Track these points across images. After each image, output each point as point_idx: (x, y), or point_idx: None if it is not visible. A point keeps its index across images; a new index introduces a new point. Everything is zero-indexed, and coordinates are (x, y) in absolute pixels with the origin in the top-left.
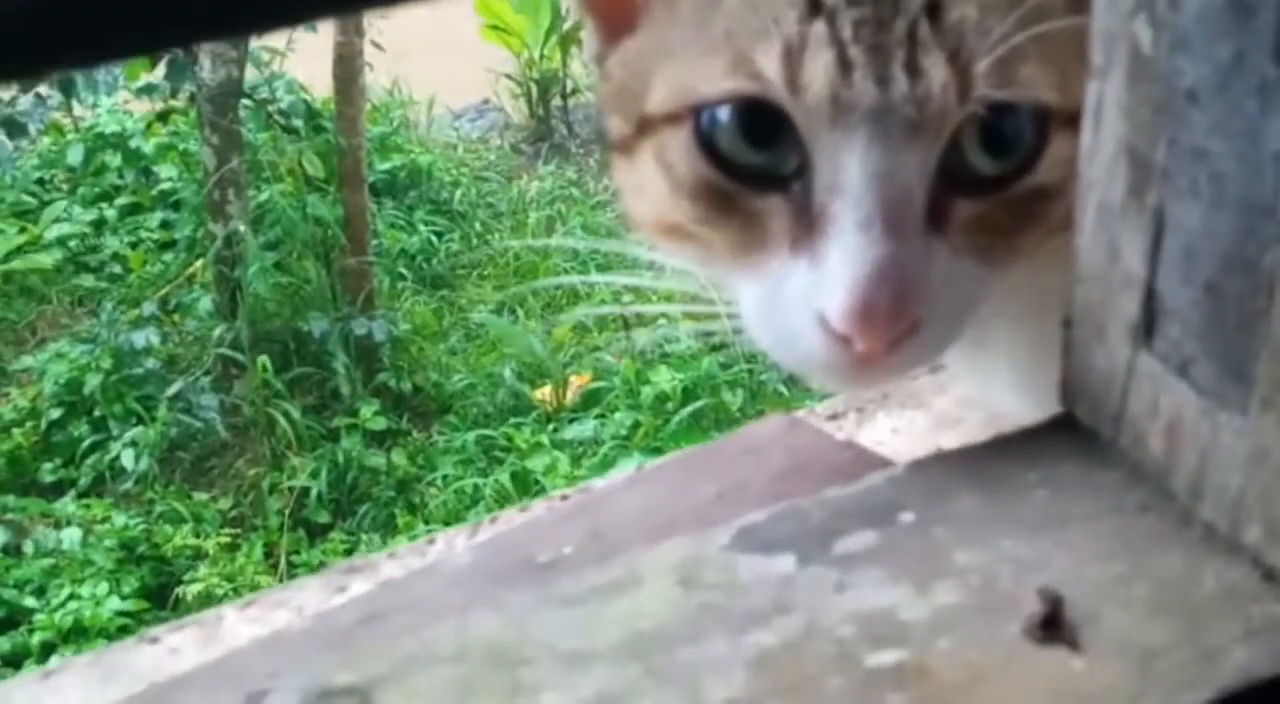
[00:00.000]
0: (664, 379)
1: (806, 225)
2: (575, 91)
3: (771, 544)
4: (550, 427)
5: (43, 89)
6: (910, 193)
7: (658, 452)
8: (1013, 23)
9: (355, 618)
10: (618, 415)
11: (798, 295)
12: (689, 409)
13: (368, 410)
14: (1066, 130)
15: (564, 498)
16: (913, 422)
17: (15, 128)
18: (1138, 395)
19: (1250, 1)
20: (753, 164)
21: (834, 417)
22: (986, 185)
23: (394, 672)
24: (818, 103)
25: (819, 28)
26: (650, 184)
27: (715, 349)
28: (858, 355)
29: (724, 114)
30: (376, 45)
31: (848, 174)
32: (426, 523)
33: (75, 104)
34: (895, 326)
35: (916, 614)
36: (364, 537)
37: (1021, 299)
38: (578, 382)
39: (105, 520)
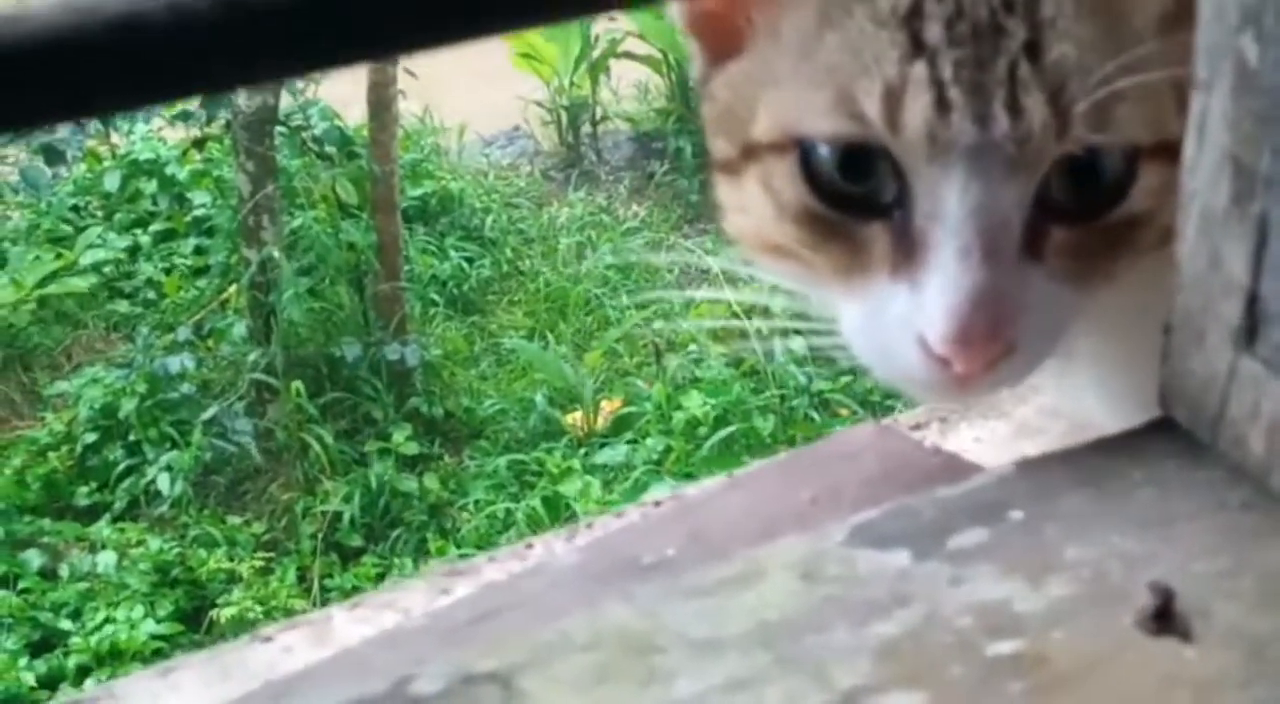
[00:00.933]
0: (695, 404)
1: (907, 251)
2: (604, 118)
3: (886, 540)
4: (582, 451)
5: None
6: (1007, 223)
7: (689, 477)
8: (1113, 70)
9: (468, 616)
10: (649, 440)
11: (899, 318)
12: (720, 434)
13: (400, 435)
14: (1157, 160)
15: (657, 504)
16: (995, 431)
17: (54, 155)
18: (1239, 398)
19: None
20: (853, 194)
21: (917, 427)
22: (1079, 214)
23: (533, 658)
24: (917, 141)
25: (919, 69)
26: (754, 206)
27: (746, 375)
28: (955, 375)
29: (825, 150)
30: (410, 73)
31: (947, 206)
32: (458, 547)
33: (113, 132)
34: (991, 350)
35: (1031, 606)
36: (396, 561)
37: (1110, 315)
38: (609, 406)
39: (140, 544)
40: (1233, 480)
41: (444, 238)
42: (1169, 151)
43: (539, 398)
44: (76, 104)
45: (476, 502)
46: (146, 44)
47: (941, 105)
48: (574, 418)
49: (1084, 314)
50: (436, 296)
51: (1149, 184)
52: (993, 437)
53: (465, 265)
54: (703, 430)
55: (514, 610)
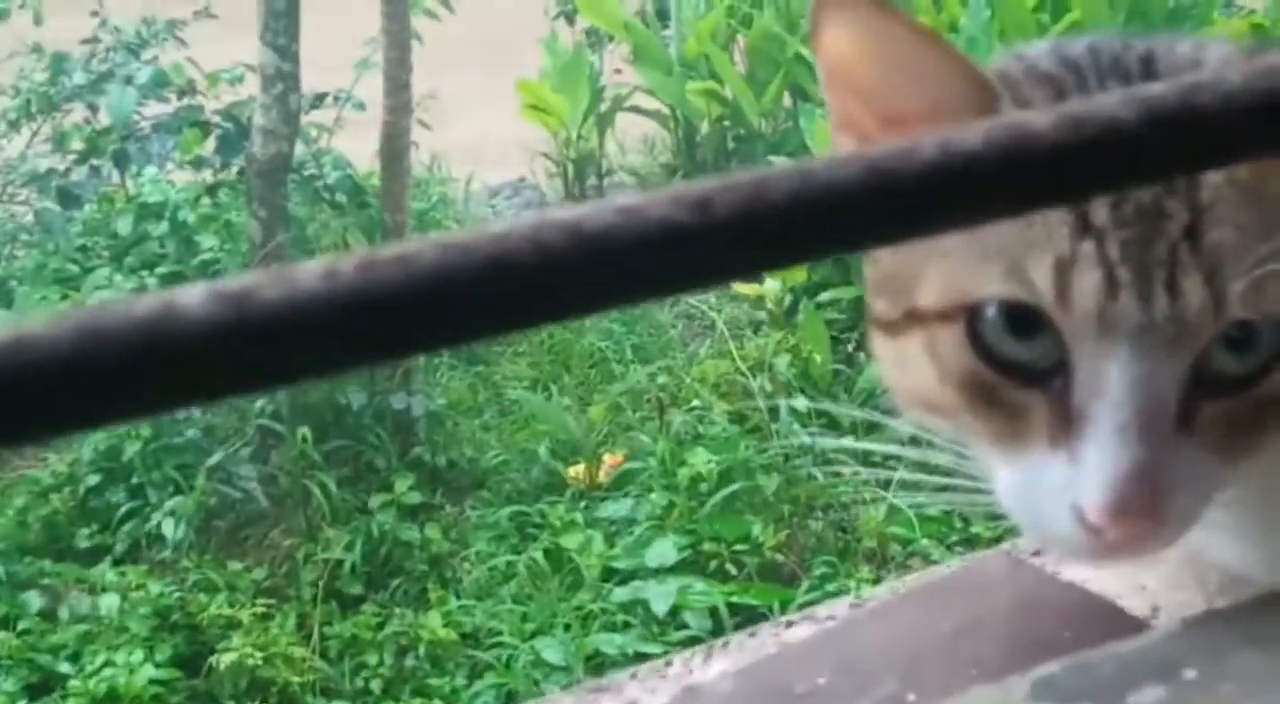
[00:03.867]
0: (699, 461)
1: (1065, 422)
2: (610, 171)
3: (1069, 695)
4: (584, 505)
5: (96, 161)
6: (1164, 400)
7: (692, 533)
8: (1264, 246)
9: None
10: (653, 496)
11: (1055, 486)
12: (724, 492)
13: (403, 484)
14: None
15: (789, 624)
16: None
17: (69, 198)
18: None
19: None
20: (1017, 359)
21: (1037, 552)
22: (1230, 387)
23: None
24: (1084, 316)
25: (1088, 246)
26: (915, 367)
27: (750, 432)
28: (1106, 543)
29: (991, 311)
30: (423, 124)
31: (1108, 381)
32: (459, 598)
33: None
34: (1145, 523)
35: None
36: (396, 610)
37: (1259, 478)
38: (611, 461)
39: (141, 588)
40: None
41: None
42: None
43: (542, 450)
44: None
45: (478, 552)
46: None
47: (1110, 282)
48: (576, 471)
49: (1231, 483)
50: None
51: None
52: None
53: None
54: (705, 487)
55: None
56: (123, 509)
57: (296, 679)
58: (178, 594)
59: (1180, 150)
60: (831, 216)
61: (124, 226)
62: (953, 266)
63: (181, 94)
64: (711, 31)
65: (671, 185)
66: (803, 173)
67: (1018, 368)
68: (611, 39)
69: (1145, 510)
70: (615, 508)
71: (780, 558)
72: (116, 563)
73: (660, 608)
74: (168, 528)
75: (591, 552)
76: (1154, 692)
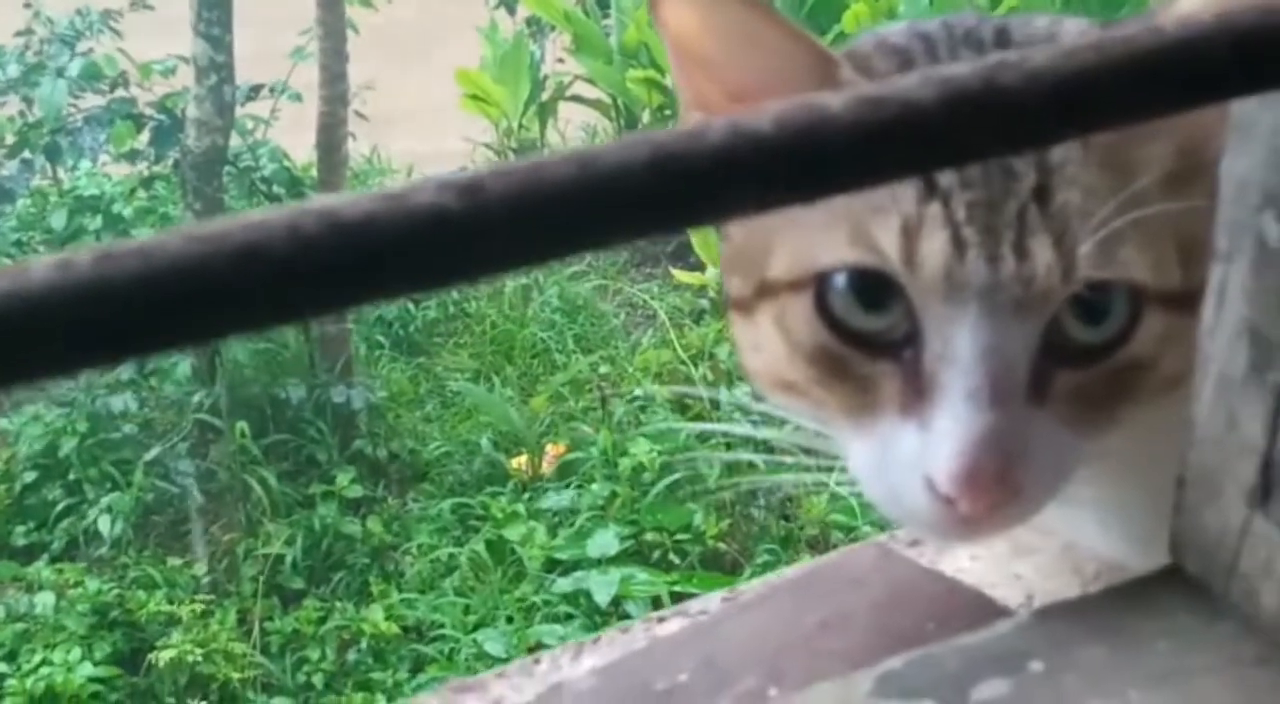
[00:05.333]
0: (641, 451)
1: (916, 391)
2: None
3: (911, 691)
4: (526, 496)
5: (28, 154)
6: (1015, 366)
7: (634, 523)
8: (1113, 207)
9: None
10: (594, 486)
11: (906, 457)
12: (666, 481)
13: (344, 477)
14: (1159, 308)
15: (660, 619)
16: (991, 549)
17: (1, 193)
18: (1251, 554)
19: None
20: (866, 329)
21: (915, 543)
22: (1083, 358)
23: None
24: (932, 279)
25: (934, 208)
26: (768, 344)
27: (694, 418)
28: (960, 516)
29: (841, 281)
30: (360, 115)
31: (957, 346)
32: (401, 591)
33: (60, 170)
34: (998, 492)
35: None
36: (338, 604)
37: (1117, 454)
38: (554, 451)
39: (78, 585)
40: (1245, 634)
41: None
42: (1172, 301)
43: (484, 441)
44: None
45: (420, 545)
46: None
47: (957, 245)
48: (519, 462)
49: (1088, 458)
50: (382, 338)
51: (1152, 331)
52: (989, 555)
53: (411, 307)
54: (648, 476)
55: None
56: (60, 506)
57: (237, 675)
58: (116, 591)
59: (981, 132)
60: (613, 203)
61: (58, 221)
62: (800, 236)
63: (114, 86)
64: (651, 20)
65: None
66: (583, 158)
67: (868, 338)
68: (552, 28)
69: (997, 479)
70: (557, 499)
71: (723, 547)
72: (53, 560)
73: (602, 598)
74: (105, 524)
75: (534, 543)
76: (998, 685)
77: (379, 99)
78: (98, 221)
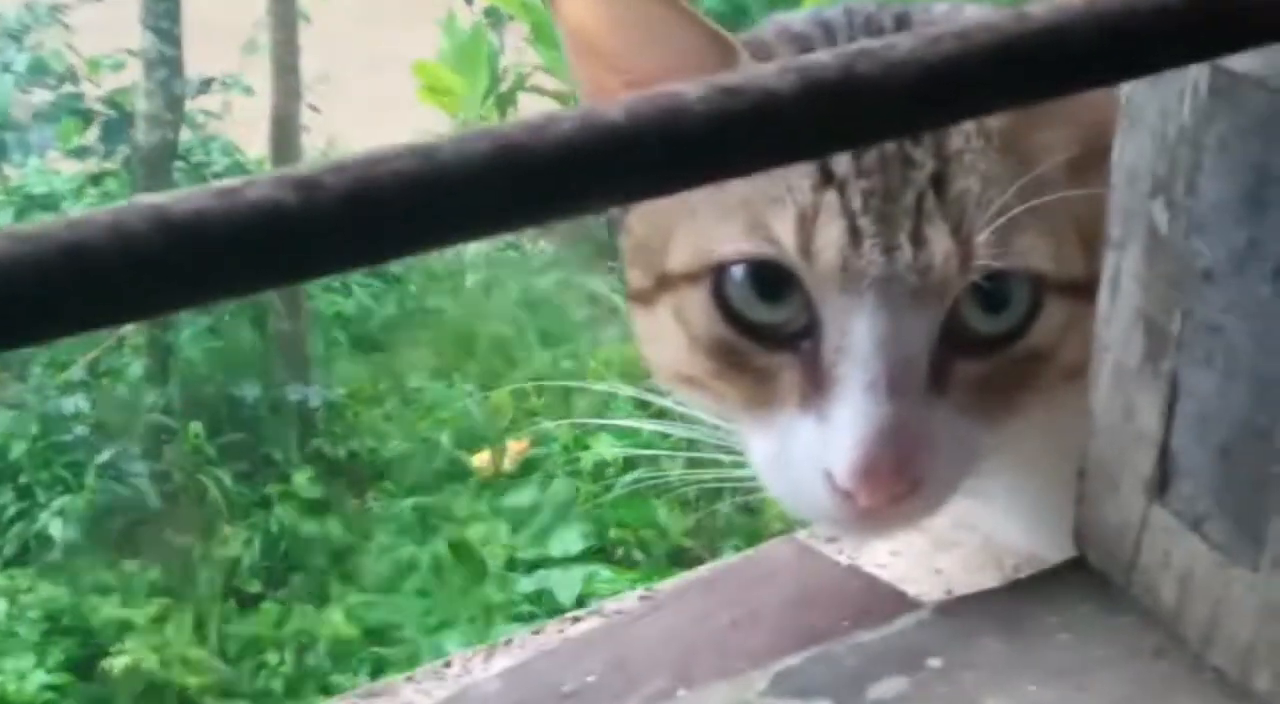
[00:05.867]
0: (604, 446)
1: (815, 383)
2: None
3: (807, 690)
4: (489, 494)
5: None
6: (914, 356)
7: (598, 521)
8: (1013, 195)
9: None
10: (557, 483)
11: (805, 450)
12: (629, 477)
13: (301, 477)
14: (1060, 297)
15: (575, 619)
16: (911, 544)
17: None
18: (1150, 546)
19: (1264, 196)
20: (764, 322)
21: (833, 539)
22: (984, 348)
23: None
24: (828, 269)
25: (830, 197)
26: (668, 336)
27: (654, 416)
28: (861, 509)
29: (738, 273)
30: (314, 108)
31: (855, 337)
32: (361, 592)
33: (8, 167)
34: (897, 486)
35: None
36: (297, 607)
37: (1021, 445)
38: (516, 447)
39: (30, 591)
40: (1145, 626)
41: (347, 274)
42: (1074, 290)
43: (445, 439)
44: None
45: (380, 545)
46: None
47: (853, 234)
48: (481, 459)
49: (991, 449)
50: (340, 335)
51: (1053, 320)
52: (909, 550)
53: (370, 303)
54: (611, 472)
55: None
56: (10, 510)
57: (194, 681)
58: (69, 597)
59: (841, 122)
60: (456, 198)
61: (6, 218)
62: (698, 226)
63: (61, 81)
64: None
65: None
66: (424, 151)
67: (766, 330)
68: (511, 18)
69: (897, 472)
70: (519, 496)
71: (688, 543)
72: (5, 566)
73: (566, 597)
74: (56, 529)
75: (496, 542)
76: (895, 683)
77: (334, 91)
78: (48, 219)
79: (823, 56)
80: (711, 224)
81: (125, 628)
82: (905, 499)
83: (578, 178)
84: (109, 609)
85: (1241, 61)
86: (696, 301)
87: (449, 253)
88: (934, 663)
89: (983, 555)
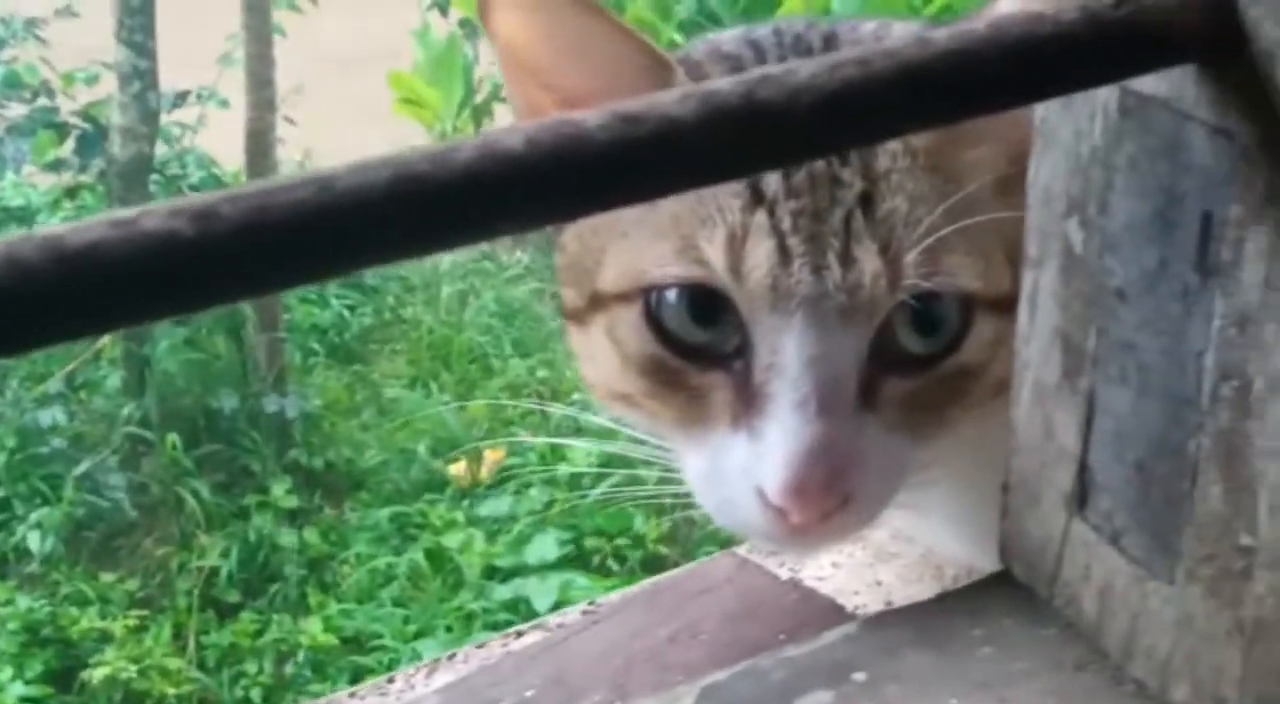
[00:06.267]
0: (579, 455)
1: (746, 402)
2: None
3: None
4: (465, 503)
5: None
6: (844, 374)
7: (574, 528)
8: (941, 214)
9: None
10: (533, 491)
11: (737, 468)
12: (604, 485)
13: (279, 488)
14: (990, 313)
15: (519, 634)
16: (852, 556)
17: None
18: (1071, 560)
19: (1173, 216)
20: (697, 342)
21: (774, 552)
22: (914, 365)
23: None
24: (759, 289)
25: (760, 217)
26: (601, 355)
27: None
28: (793, 526)
29: (671, 295)
30: (289, 121)
31: (785, 356)
32: (339, 602)
33: None
34: (828, 502)
35: None
36: (275, 616)
37: (955, 459)
38: (493, 456)
39: (8, 603)
40: (1068, 639)
41: (324, 285)
42: (1003, 307)
43: (421, 449)
44: None
45: (358, 555)
46: None
47: (783, 254)
48: (458, 468)
49: (922, 464)
50: (317, 346)
51: (982, 336)
52: (850, 561)
53: (346, 313)
54: (587, 481)
55: None
56: None
57: (173, 691)
58: (48, 608)
59: (743, 148)
60: (354, 228)
61: None
62: (630, 247)
63: (36, 95)
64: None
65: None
66: (320, 181)
67: (699, 350)
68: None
69: (827, 489)
70: (496, 505)
71: (664, 550)
72: None
73: (542, 605)
74: (35, 541)
75: (473, 550)
76: (820, 696)
77: (309, 103)
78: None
79: (724, 83)
80: (643, 244)
81: (104, 639)
82: (836, 515)
83: (479, 206)
84: (87, 620)
85: (1149, 83)
86: (629, 321)
87: (426, 262)
88: (859, 676)
89: (923, 567)
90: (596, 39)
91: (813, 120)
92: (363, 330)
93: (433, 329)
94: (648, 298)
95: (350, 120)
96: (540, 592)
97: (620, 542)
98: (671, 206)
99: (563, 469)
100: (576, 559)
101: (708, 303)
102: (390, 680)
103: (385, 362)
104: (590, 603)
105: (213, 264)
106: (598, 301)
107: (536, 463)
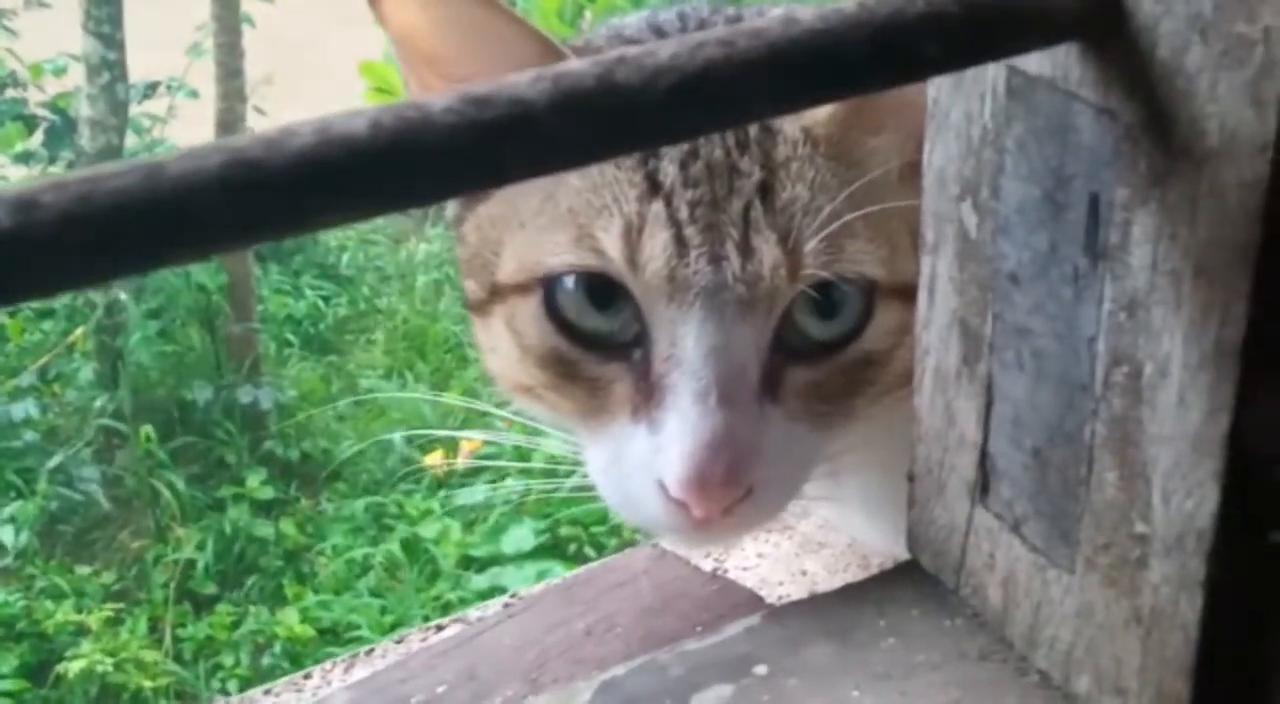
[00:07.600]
0: (554, 443)
1: (646, 393)
2: None
3: (632, 699)
4: (441, 493)
5: None
6: (744, 365)
7: (549, 517)
8: (842, 202)
9: None
10: (509, 480)
11: (638, 461)
12: (579, 474)
13: (255, 479)
14: (893, 301)
15: (439, 628)
16: (778, 546)
17: None
18: (976, 549)
19: (1062, 199)
20: (596, 330)
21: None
22: (817, 353)
23: None
24: (655, 280)
25: (657, 208)
26: (502, 347)
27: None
28: (695, 519)
29: (569, 283)
30: (259, 111)
31: (684, 347)
32: (316, 593)
33: None
34: (729, 494)
35: None
36: (251, 608)
37: (869, 449)
38: (469, 446)
39: None
40: (973, 629)
41: (298, 276)
42: (907, 295)
43: (397, 439)
44: None
45: (334, 546)
46: None
47: (679, 244)
48: (433, 458)
49: (828, 454)
50: (291, 336)
51: (885, 324)
52: (776, 552)
53: (321, 304)
54: (563, 469)
55: None
56: None
57: (149, 684)
58: (22, 602)
59: (598, 131)
60: (184, 217)
61: None
62: (527, 238)
63: (4, 86)
64: (557, 9)
65: None
66: (148, 168)
67: (598, 340)
68: None
69: (729, 480)
70: (472, 494)
71: (640, 538)
72: None
73: None
74: (8, 535)
75: (449, 540)
76: (720, 690)
77: (279, 93)
78: None
79: (579, 64)
80: (540, 235)
81: (79, 632)
82: (739, 507)
83: (315, 194)
84: (63, 614)
85: (1035, 63)
86: (528, 312)
87: (401, 253)
88: (760, 670)
89: (849, 557)
90: (487, 27)
91: (672, 103)
92: (338, 321)
93: (408, 319)
94: (546, 288)
95: (321, 110)
96: (517, 580)
97: (596, 529)
98: (568, 197)
99: (535, 462)
100: (553, 548)
101: (605, 291)
102: (306, 677)
103: (360, 352)
104: (511, 596)
105: (33, 255)
106: (497, 293)
107: (512, 452)
